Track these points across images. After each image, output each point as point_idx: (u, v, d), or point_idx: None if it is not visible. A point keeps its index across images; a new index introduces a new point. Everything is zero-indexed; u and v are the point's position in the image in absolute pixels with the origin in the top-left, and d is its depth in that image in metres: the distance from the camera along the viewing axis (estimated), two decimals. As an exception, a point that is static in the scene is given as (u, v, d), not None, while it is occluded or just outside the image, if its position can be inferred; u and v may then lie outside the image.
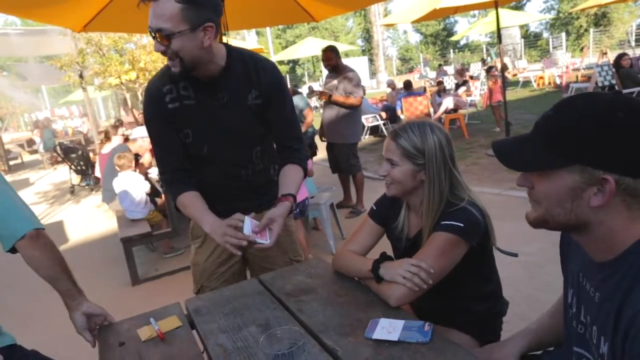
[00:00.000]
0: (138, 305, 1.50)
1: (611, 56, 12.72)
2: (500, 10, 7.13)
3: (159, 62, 6.99)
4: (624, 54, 7.77)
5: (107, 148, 5.58)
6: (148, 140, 4.66)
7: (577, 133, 0.81)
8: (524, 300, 2.64)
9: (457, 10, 7.00)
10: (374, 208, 1.63)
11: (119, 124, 8.45)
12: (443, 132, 1.42)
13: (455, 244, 1.32)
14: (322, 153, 7.14)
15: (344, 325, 1.28)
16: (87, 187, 8.32)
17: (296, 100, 5.21)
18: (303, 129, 5.14)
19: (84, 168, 8.05)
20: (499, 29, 6.00)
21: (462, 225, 1.32)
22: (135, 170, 4.42)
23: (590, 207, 0.82)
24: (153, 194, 4.57)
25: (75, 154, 8.07)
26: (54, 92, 30.75)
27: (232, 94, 1.60)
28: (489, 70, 8.92)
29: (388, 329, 1.21)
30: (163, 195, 4.52)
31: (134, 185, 4.25)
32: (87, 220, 6.44)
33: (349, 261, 1.53)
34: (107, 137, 6.01)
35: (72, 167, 8.16)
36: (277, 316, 1.39)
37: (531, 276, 3.00)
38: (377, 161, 7.58)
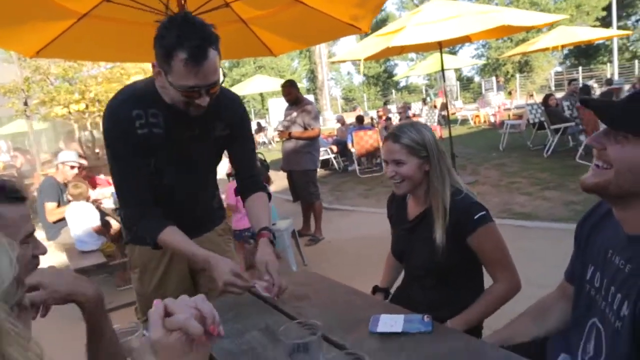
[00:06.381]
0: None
1: (536, 98, 13.97)
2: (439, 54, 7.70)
3: (112, 92, 6.84)
4: (551, 95, 8.60)
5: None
6: (69, 166, 4.44)
7: None
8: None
9: (402, 50, 7.49)
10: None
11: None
12: (429, 127, 1.62)
13: (495, 229, 1.52)
14: (278, 183, 7.18)
15: (346, 323, 1.33)
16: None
17: None
18: None
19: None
20: (443, 70, 6.49)
21: (485, 212, 1.50)
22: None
23: None
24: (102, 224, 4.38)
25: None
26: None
27: (202, 125, 1.59)
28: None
29: (390, 323, 1.28)
30: (115, 225, 4.36)
31: (88, 216, 4.07)
32: (25, 257, 6.00)
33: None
34: None
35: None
36: (277, 320, 1.41)
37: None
38: (330, 192, 7.72)
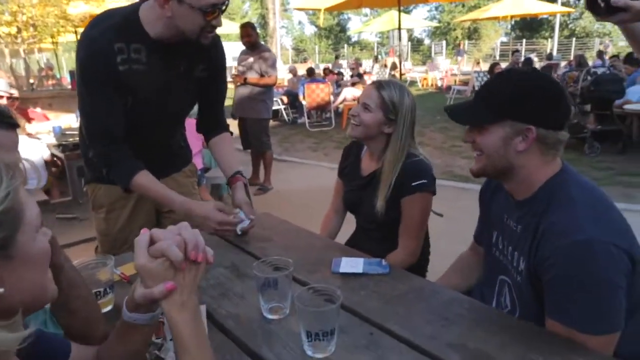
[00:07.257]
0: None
1: (482, 66, 14.43)
2: (395, 12, 7.69)
3: (51, 17, 6.22)
4: (497, 64, 8.98)
5: None
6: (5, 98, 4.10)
7: (508, 97, 1.10)
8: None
9: (361, 3, 7.41)
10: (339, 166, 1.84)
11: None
12: (414, 100, 1.64)
13: (429, 200, 1.60)
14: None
15: (309, 264, 1.41)
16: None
17: None
18: None
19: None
20: (400, 29, 6.52)
21: (426, 181, 1.56)
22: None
23: (517, 152, 1.09)
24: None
25: None
26: None
27: (187, 63, 1.54)
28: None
29: (351, 264, 1.38)
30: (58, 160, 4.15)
31: (33, 151, 3.83)
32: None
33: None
34: None
35: None
36: (242, 259, 1.47)
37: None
38: (279, 144, 7.70)
